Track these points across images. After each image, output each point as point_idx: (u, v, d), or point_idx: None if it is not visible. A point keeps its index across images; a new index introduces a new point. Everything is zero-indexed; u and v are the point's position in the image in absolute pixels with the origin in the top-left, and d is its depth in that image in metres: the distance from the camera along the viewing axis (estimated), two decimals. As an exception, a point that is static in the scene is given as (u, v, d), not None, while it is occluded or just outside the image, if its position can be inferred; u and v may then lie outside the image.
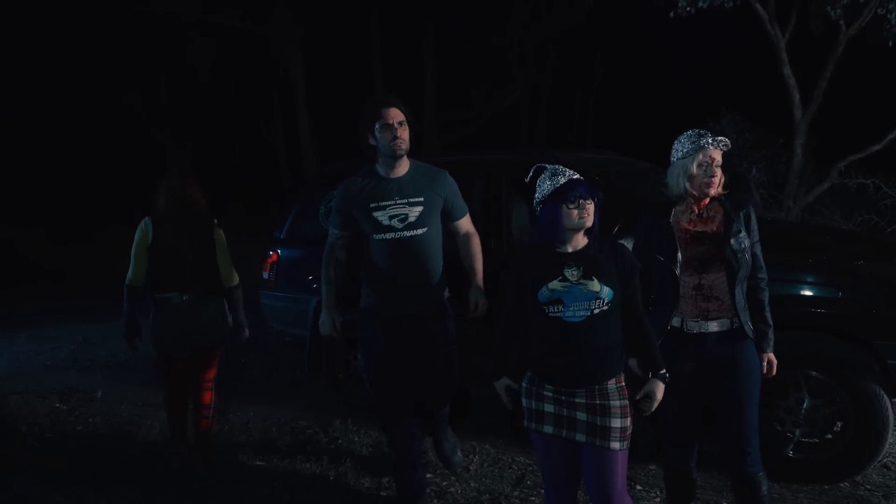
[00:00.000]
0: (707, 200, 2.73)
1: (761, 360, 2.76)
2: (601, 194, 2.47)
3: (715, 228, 2.71)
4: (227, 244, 3.75)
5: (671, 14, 7.88)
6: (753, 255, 2.73)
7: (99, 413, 4.86)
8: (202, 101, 19.91)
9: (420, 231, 3.07)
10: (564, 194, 2.43)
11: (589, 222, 2.44)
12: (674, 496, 2.97)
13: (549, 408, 2.47)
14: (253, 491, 3.55)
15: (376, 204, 3.06)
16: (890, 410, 3.31)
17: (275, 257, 5.06)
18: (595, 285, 2.39)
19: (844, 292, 3.38)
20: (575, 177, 2.46)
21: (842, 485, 3.45)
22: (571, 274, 2.41)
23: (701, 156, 2.66)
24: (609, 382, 2.41)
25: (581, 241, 2.47)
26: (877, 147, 8.99)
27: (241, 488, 3.59)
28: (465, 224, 3.29)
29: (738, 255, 2.65)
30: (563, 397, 2.44)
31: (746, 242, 2.69)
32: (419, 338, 3.14)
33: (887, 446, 3.39)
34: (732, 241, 2.65)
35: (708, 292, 2.67)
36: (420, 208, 3.07)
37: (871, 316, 3.32)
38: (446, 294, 3.25)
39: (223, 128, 20.32)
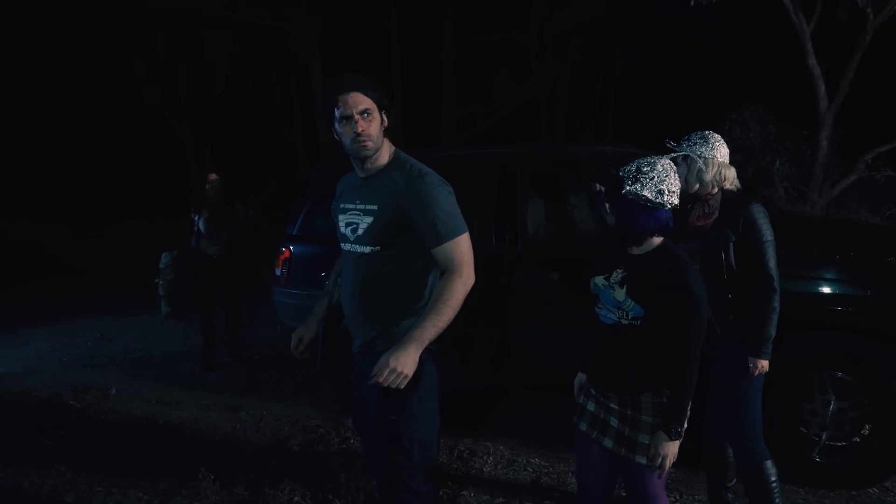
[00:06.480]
0: (709, 197, 2.79)
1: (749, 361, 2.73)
2: (636, 192, 2.19)
3: (709, 224, 2.77)
4: None
5: (691, 2, 7.69)
6: (752, 259, 2.67)
7: (112, 410, 4.84)
8: (221, 96, 20.01)
9: (367, 249, 2.37)
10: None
11: (608, 219, 2.36)
12: (709, 474, 3.09)
13: (590, 406, 2.40)
14: (264, 492, 3.49)
15: (343, 206, 2.50)
16: (921, 413, 3.18)
17: (287, 254, 4.99)
18: (620, 294, 2.24)
19: (873, 290, 3.24)
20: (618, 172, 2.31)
21: (870, 490, 3.32)
22: (616, 275, 2.30)
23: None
24: (644, 395, 2.25)
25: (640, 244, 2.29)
26: (905, 139, 8.73)
27: (252, 489, 3.54)
28: (445, 255, 2.30)
29: (712, 254, 2.69)
30: (602, 399, 2.36)
31: (728, 242, 2.69)
32: (368, 386, 2.33)
33: (918, 450, 3.25)
34: (713, 237, 2.71)
35: None
36: (370, 220, 2.37)
37: (901, 314, 3.18)
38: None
39: (242, 124, 20.41)
